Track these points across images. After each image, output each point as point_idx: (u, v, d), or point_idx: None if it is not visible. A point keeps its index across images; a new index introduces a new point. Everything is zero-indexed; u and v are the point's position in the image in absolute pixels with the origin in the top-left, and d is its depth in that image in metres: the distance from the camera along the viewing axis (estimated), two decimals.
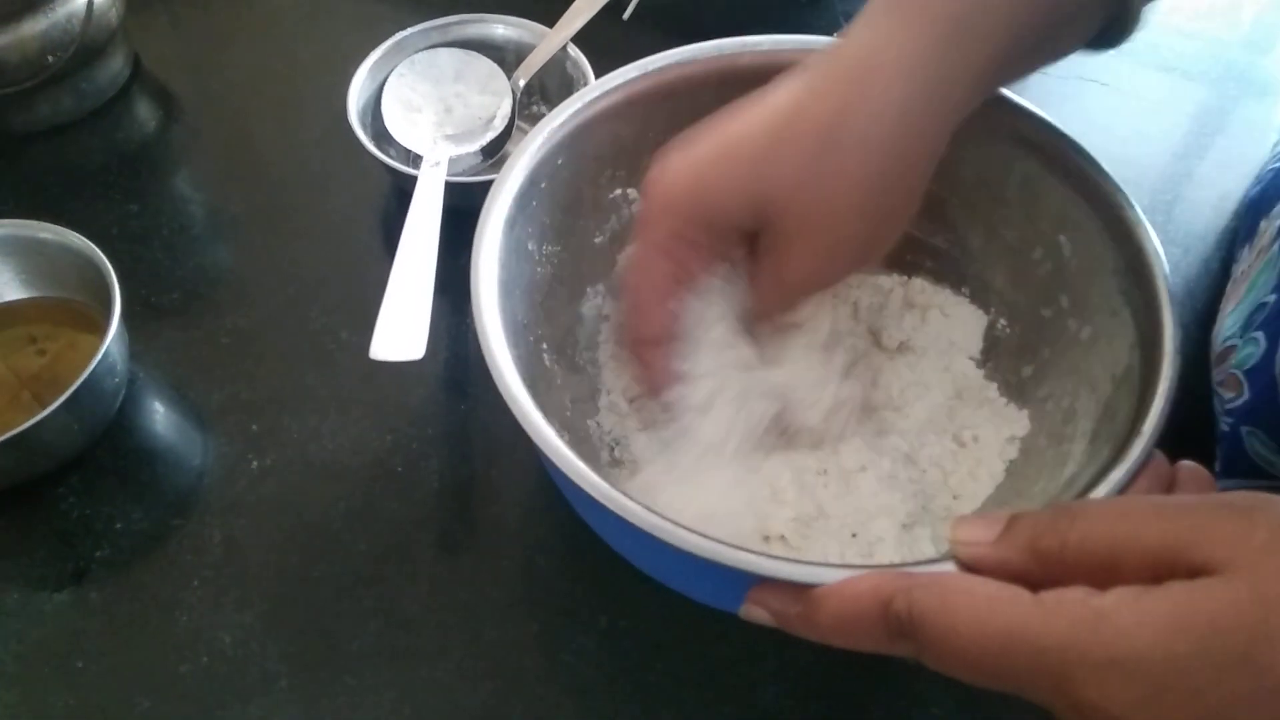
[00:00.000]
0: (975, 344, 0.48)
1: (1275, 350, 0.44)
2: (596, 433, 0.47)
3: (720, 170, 0.36)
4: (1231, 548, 0.23)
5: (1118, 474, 0.33)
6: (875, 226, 0.37)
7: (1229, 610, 0.22)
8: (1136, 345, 0.38)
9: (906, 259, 0.49)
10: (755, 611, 0.32)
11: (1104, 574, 0.24)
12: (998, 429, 0.45)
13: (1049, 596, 0.25)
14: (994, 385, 0.47)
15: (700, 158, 0.37)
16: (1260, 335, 0.46)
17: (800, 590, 0.30)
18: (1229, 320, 0.50)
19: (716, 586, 0.35)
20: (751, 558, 0.31)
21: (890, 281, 0.50)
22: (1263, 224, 0.53)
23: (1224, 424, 0.47)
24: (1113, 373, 0.39)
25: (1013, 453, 0.44)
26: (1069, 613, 0.24)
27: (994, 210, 0.47)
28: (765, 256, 0.38)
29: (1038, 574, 0.26)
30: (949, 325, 0.48)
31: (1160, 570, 0.24)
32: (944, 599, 0.26)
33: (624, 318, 0.40)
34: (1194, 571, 0.23)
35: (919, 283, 0.49)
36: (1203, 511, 0.25)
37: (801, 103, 0.36)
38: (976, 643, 0.25)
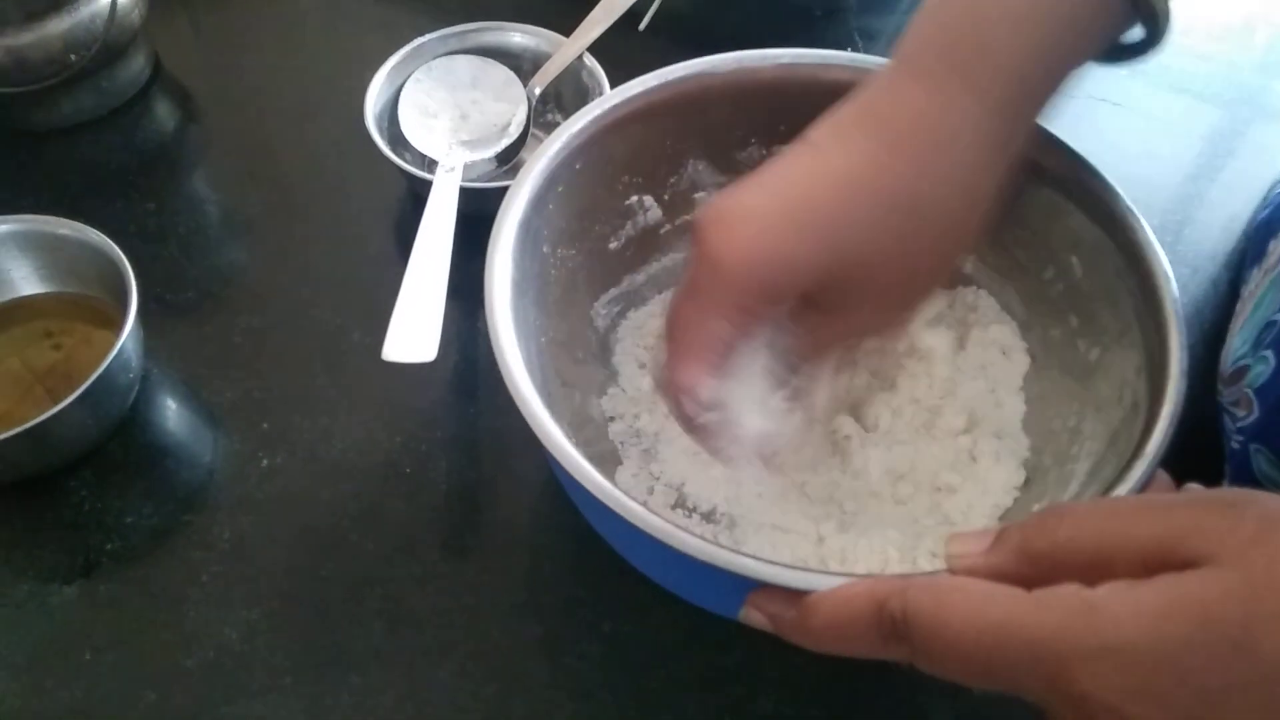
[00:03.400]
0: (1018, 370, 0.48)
1: None
2: (605, 436, 0.47)
3: (793, 241, 0.35)
4: (1220, 540, 0.23)
5: (1119, 493, 0.33)
6: (942, 275, 0.40)
7: (1219, 598, 0.23)
8: (1144, 367, 0.38)
9: None
10: (753, 615, 0.32)
11: (1095, 572, 0.25)
12: (1005, 448, 0.45)
13: (1042, 591, 0.25)
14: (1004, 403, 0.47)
15: (770, 228, 0.35)
16: (1269, 354, 0.46)
17: (796, 596, 0.30)
18: (1238, 339, 0.50)
19: (718, 592, 0.35)
20: (750, 563, 0.31)
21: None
22: (1272, 244, 0.53)
23: (1235, 442, 0.47)
24: (1119, 394, 0.39)
25: (1018, 478, 0.44)
26: (1061, 604, 0.24)
27: (1006, 229, 0.47)
28: (829, 313, 0.38)
29: (1031, 576, 0.26)
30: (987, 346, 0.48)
31: (1151, 566, 0.24)
32: (938, 597, 0.26)
33: (666, 369, 0.38)
34: (1184, 565, 0.24)
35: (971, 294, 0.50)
36: (1191, 507, 0.25)
37: (871, 167, 0.35)
38: (970, 638, 0.25)
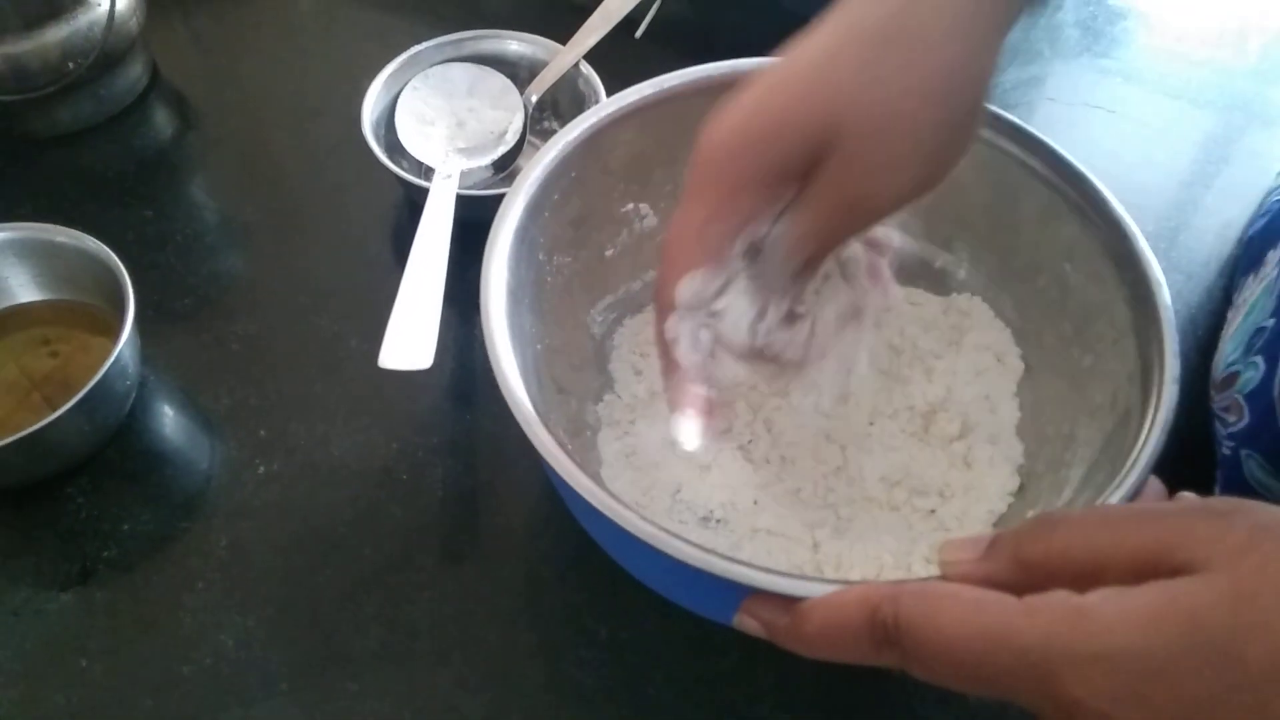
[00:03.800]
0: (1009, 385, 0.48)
1: (1274, 374, 0.44)
2: (600, 443, 0.47)
3: (774, 99, 0.33)
4: (1211, 548, 0.24)
5: (1112, 500, 0.33)
6: (940, 135, 0.34)
7: (1209, 604, 0.23)
8: (1137, 374, 0.38)
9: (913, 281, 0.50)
10: (747, 622, 0.32)
11: (1088, 580, 0.25)
12: (999, 453, 0.45)
13: (1033, 598, 0.25)
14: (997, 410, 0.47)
15: (751, 94, 0.33)
16: (1259, 359, 0.46)
17: (789, 602, 0.30)
18: (1229, 345, 0.50)
19: (713, 598, 0.35)
20: (744, 570, 0.31)
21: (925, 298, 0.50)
22: (1270, 254, 0.53)
23: (1226, 448, 0.47)
24: (1113, 400, 0.40)
25: (1012, 484, 0.44)
26: (1052, 610, 0.24)
27: (1001, 237, 0.47)
28: (821, 182, 0.34)
29: (1024, 584, 0.26)
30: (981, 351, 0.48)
31: (1143, 573, 0.24)
32: (930, 604, 0.26)
33: (656, 280, 0.36)
34: (1175, 572, 0.24)
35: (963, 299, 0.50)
36: (1182, 515, 0.25)
37: (852, 16, 0.33)
38: (961, 643, 0.25)
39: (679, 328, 0.36)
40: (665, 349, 0.37)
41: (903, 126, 0.33)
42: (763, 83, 0.34)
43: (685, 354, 0.36)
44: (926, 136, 0.33)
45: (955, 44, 0.33)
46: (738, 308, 0.36)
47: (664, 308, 0.36)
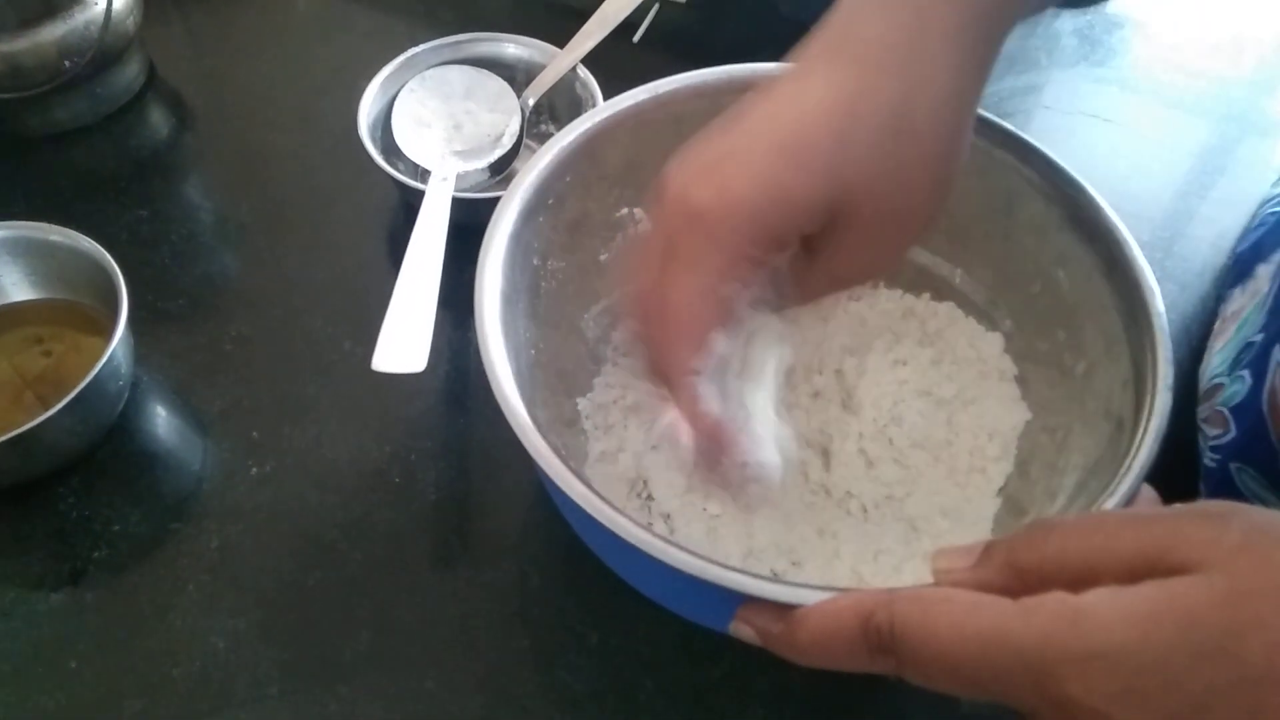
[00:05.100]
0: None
1: (1261, 388, 0.44)
2: (591, 448, 0.47)
3: (792, 175, 0.33)
4: (1206, 549, 0.24)
5: (1105, 507, 0.33)
6: (937, 206, 0.36)
7: (1205, 603, 0.23)
8: (1131, 381, 0.38)
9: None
10: (743, 629, 0.32)
11: (1082, 584, 0.25)
12: (992, 459, 0.45)
13: (1029, 600, 0.25)
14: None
15: (764, 166, 0.33)
16: (1246, 373, 0.46)
17: (784, 610, 0.30)
18: (1217, 358, 0.50)
19: (707, 605, 0.35)
20: (739, 577, 0.31)
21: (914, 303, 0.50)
22: (1260, 268, 0.53)
23: (1209, 460, 0.47)
24: (1106, 407, 0.40)
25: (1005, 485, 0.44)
26: (1048, 611, 0.24)
27: (994, 243, 0.47)
28: (824, 255, 0.36)
29: (1018, 590, 0.26)
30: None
31: (1138, 576, 0.24)
32: (924, 608, 0.26)
33: (653, 352, 0.35)
34: (1170, 573, 0.24)
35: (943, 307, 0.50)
36: (1176, 518, 0.25)
37: (863, 91, 0.33)
38: (957, 646, 0.25)
39: (706, 389, 0.35)
40: (698, 419, 0.36)
41: (915, 205, 0.35)
42: (766, 150, 0.33)
43: (724, 415, 0.36)
44: (933, 203, 0.36)
45: (957, 120, 0.35)
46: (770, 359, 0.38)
47: (678, 375, 0.35)
